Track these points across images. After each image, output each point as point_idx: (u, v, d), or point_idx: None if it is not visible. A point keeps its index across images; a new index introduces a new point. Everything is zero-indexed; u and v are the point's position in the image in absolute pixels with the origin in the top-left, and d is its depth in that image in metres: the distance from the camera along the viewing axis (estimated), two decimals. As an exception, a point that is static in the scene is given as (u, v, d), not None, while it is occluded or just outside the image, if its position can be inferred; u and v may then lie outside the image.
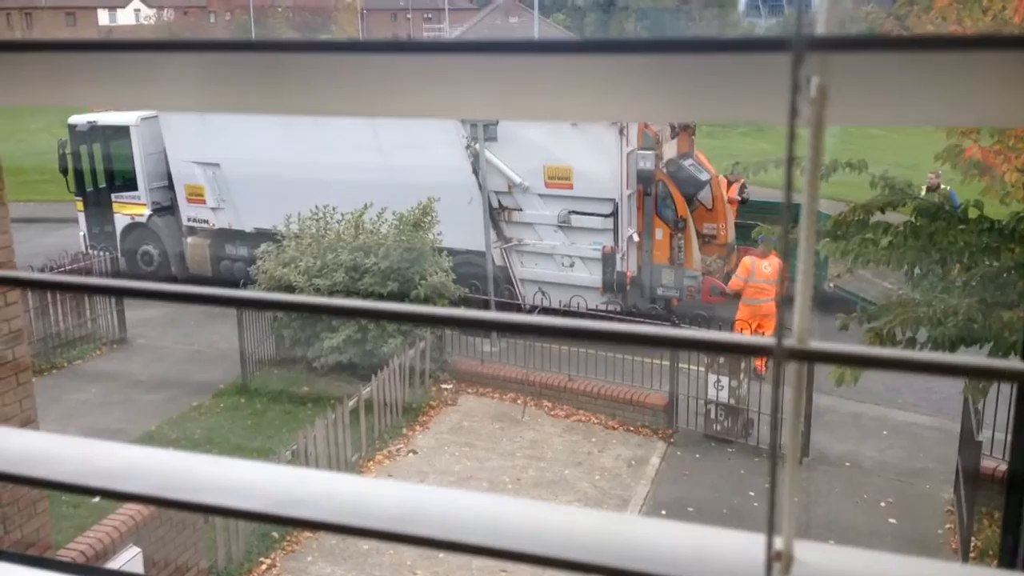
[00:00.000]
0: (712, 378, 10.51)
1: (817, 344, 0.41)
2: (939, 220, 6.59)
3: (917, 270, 6.81)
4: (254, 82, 0.56)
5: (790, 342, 0.40)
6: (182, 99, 0.63)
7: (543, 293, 13.60)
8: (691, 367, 10.86)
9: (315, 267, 11.88)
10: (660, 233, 13.56)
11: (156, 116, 15.69)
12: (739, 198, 14.87)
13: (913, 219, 6.73)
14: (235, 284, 12.68)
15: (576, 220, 13.41)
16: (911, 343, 6.42)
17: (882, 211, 7.06)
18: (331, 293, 11.43)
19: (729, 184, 14.88)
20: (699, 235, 14.09)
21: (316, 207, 12.53)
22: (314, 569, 8.13)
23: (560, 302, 13.36)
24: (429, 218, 12.26)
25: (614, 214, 13.20)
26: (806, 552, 0.43)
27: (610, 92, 0.44)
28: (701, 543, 0.45)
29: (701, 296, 13.61)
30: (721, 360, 10.43)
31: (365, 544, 8.40)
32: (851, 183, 8.67)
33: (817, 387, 9.90)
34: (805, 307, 0.40)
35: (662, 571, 0.42)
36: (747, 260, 12.27)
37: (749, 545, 0.45)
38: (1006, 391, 8.00)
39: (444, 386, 11.94)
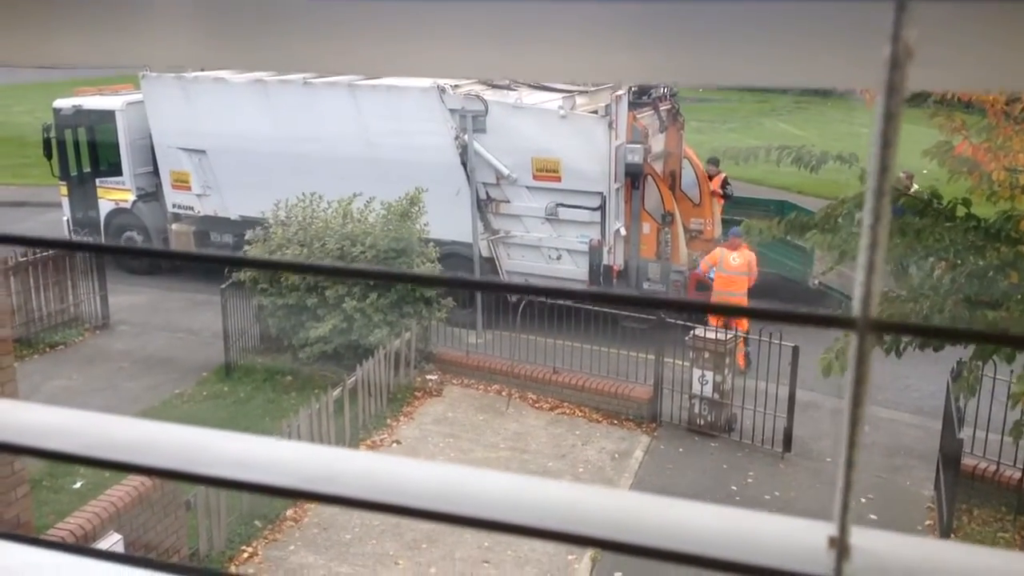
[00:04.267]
0: (696, 373, 10.53)
1: (894, 320, 0.40)
2: (927, 217, 6.62)
3: (904, 266, 6.85)
4: (250, 34, 0.54)
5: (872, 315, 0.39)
6: (168, 52, 0.60)
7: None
8: (675, 361, 10.89)
9: (302, 255, 11.81)
10: (647, 227, 13.57)
11: (142, 101, 15.56)
12: (722, 191, 14.90)
13: (908, 218, 6.76)
14: (220, 271, 12.60)
15: (563, 213, 13.39)
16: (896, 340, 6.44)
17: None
18: (317, 282, 11.38)
19: (711, 177, 14.92)
20: (686, 230, 14.11)
21: (303, 194, 12.46)
22: (295, 558, 8.10)
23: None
24: (416, 208, 12.21)
25: (601, 207, 13.19)
26: (862, 538, 0.42)
27: (650, 47, 0.42)
28: (754, 528, 0.44)
29: (687, 290, 13.63)
30: (706, 355, 10.46)
31: (347, 534, 8.38)
32: (840, 181, 8.67)
33: (800, 383, 9.95)
34: (877, 282, 0.39)
35: (718, 555, 0.40)
36: (717, 250, 12.48)
37: (802, 531, 0.43)
38: (988, 389, 8.06)
39: (429, 377, 11.91)
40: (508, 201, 13.69)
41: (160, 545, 7.06)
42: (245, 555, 8.10)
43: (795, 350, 9.69)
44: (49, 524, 6.60)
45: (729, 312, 0.44)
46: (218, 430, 0.57)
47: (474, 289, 13.24)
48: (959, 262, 6.70)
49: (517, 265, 13.91)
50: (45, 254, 13.11)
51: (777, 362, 9.90)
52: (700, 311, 0.43)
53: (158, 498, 7.05)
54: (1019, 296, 6.49)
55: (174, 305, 14.38)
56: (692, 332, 10.59)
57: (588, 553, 8.13)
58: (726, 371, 10.44)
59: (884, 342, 6.25)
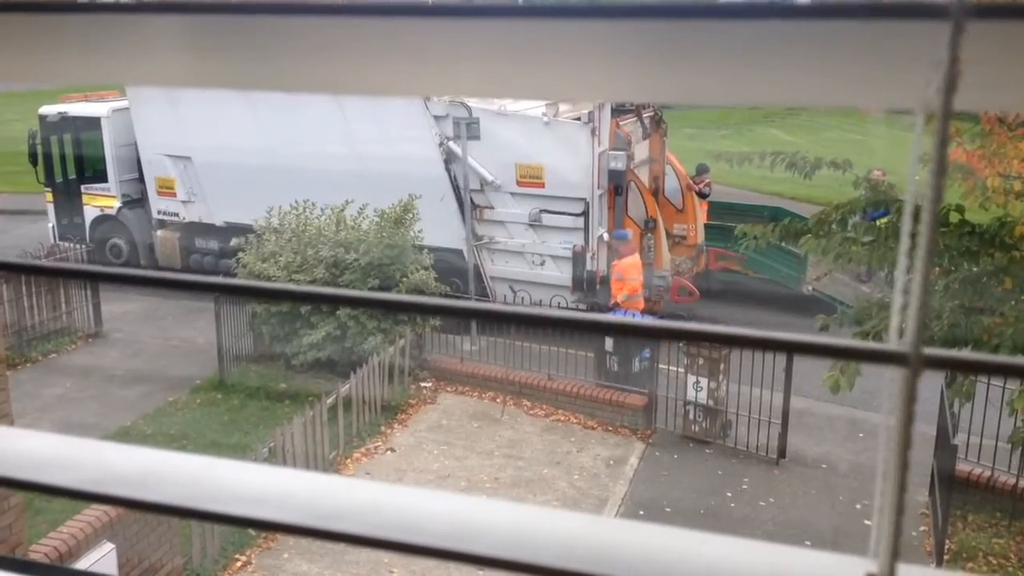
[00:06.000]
0: (691, 379, 10.51)
1: (948, 352, 0.38)
2: (920, 222, 6.61)
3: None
4: (241, 53, 0.52)
5: (926, 350, 0.37)
6: (159, 71, 0.58)
7: (514, 291, 13.58)
8: (670, 368, 10.87)
9: (295, 262, 11.78)
10: (630, 233, 13.58)
11: (128, 108, 15.52)
12: (699, 190, 14.93)
13: (895, 219, 6.77)
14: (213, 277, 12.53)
15: (547, 219, 13.37)
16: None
17: (864, 212, 7.09)
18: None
19: (698, 181, 14.97)
20: (669, 235, 14.14)
21: (296, 201, 12.44)
22: (290, 566, 8.05)
23: (530, 300, 13.35)
24: (410, 215, 12.18)
25: (585, 213, 13.18)
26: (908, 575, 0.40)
27: (689, 68, 0.40)
28: (789, 565, 0.42)
29: (670, 296, 13.66)
30: (700, 361, 10.44)
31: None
32: (833, 187, 8.67)
33: (794, 389, 9.94)
34: (923, 313, 0.37)
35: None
36: (631, 261, 12.38)
37: (839, 567, 0.41)
38: (982, 394, 8.06)
39: (423, 384, 11.87)
40: (492, 207, 13.67)
41: (153, 555, 7.01)
42: (239, 563, 8.05)
43: (789, 356, 9.69)
44: (42, 533, 6.54)
45: (763, 345, 0.41)
46: (220, 459, 0.54)
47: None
48: (953, 268, 6.70)
49: (501, 271, 13.88)
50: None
51: (772, 368, 9.90)
52: (726, 343, 0.41)
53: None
54: (1012, 302, 6.49)
55: (167, 312, 14.32)
56: (686, 338, 10.56)
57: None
58: (720, 377, 10.42)
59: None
